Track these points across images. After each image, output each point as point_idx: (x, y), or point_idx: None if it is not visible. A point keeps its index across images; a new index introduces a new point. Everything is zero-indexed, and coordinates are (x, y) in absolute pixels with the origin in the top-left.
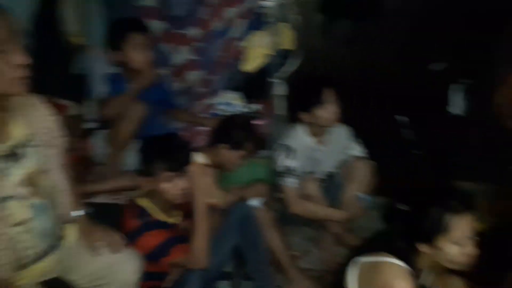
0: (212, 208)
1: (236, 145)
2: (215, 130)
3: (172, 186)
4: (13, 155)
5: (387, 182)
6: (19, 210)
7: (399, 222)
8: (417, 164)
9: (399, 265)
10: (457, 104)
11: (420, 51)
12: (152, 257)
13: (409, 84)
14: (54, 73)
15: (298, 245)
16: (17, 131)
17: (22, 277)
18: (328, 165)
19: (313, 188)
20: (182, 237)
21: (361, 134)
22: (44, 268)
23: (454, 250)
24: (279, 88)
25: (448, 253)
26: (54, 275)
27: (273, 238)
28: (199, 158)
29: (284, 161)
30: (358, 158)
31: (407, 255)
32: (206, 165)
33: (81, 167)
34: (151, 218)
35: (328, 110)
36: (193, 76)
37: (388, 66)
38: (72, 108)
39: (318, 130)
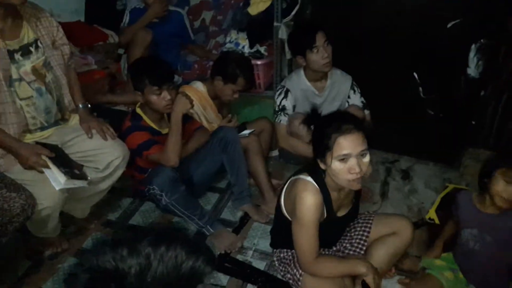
0: (204, 128)
1: (229, 79)
2: (214, 63)
3: (158, 99)
4: (25, 51)
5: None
6: (25, 89)
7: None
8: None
9: (309, 181)
10: (474, 64)
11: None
12: (137, 151)
13: (427, 41)
14: (103, 9)
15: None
16: (27, 33)
17: (27, 138)
18: (327, 110)
19: (299, 127)
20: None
21: (367, 85)
22: (45, 136)
23: (337, 166)
24: (282, 32)
25: (333, 169)
26: (54, 144)
27: (256, 165)
28: (197, 85)
29: (281, 101)
30: (356, 106)
31: (317, 173)
32: (202, 92)
33: (111, 81)
34: (141, 123)
35: (319, 55)
36: (207, 15)
37: (406, 20)
38: (111, 37)
39: (315, 75)
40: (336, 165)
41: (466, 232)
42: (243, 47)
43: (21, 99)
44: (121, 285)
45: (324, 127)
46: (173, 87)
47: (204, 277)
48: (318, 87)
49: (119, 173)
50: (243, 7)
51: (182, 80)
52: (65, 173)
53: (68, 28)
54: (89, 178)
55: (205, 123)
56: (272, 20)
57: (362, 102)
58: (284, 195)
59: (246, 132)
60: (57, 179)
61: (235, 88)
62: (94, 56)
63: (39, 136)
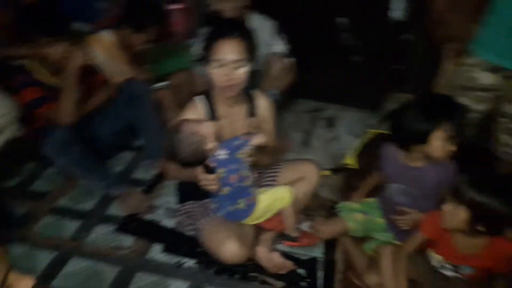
0: (109, 82)
1: (137, 28)
2: (123, 11)
3: (53, 51)
4: None
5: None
6: None
7: None
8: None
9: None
10: (397, 8)
11: None
12: (29, 107)
13: None
14: None
15: None
16: None
17: None
18: None
19: None
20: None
21: (291, 32)
22: None
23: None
24: None
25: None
26: None
27: (172, 118)
28: (104, 34)
29: (199, 49)
30: (278, 54)
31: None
32: (109, 43)
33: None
34: (31, 78)
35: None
36: None
37: None
38: None
39: None
40: None
41: (394, 187)
42: None
43: None
44: None
45: None
46: (68, 38)
47: None
48: None
49: (12, 129)
50: None
51: (94, 29)
52: None
53: None
54: None
55: (113, 76)
56: None
57: (284, 49)
58: None
59: (160, 84)
60: None
61: (145, 38)
62: None
63: None
